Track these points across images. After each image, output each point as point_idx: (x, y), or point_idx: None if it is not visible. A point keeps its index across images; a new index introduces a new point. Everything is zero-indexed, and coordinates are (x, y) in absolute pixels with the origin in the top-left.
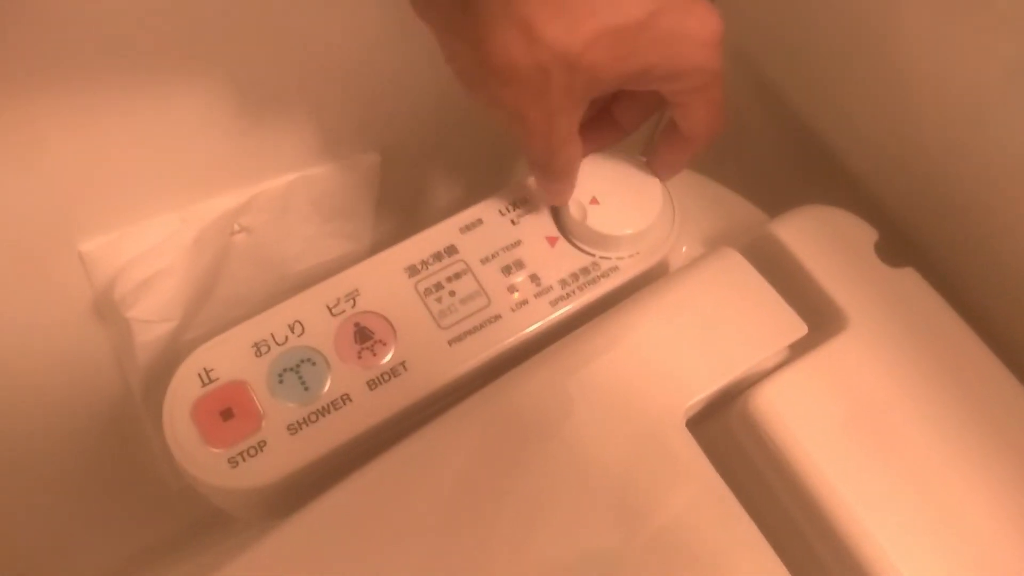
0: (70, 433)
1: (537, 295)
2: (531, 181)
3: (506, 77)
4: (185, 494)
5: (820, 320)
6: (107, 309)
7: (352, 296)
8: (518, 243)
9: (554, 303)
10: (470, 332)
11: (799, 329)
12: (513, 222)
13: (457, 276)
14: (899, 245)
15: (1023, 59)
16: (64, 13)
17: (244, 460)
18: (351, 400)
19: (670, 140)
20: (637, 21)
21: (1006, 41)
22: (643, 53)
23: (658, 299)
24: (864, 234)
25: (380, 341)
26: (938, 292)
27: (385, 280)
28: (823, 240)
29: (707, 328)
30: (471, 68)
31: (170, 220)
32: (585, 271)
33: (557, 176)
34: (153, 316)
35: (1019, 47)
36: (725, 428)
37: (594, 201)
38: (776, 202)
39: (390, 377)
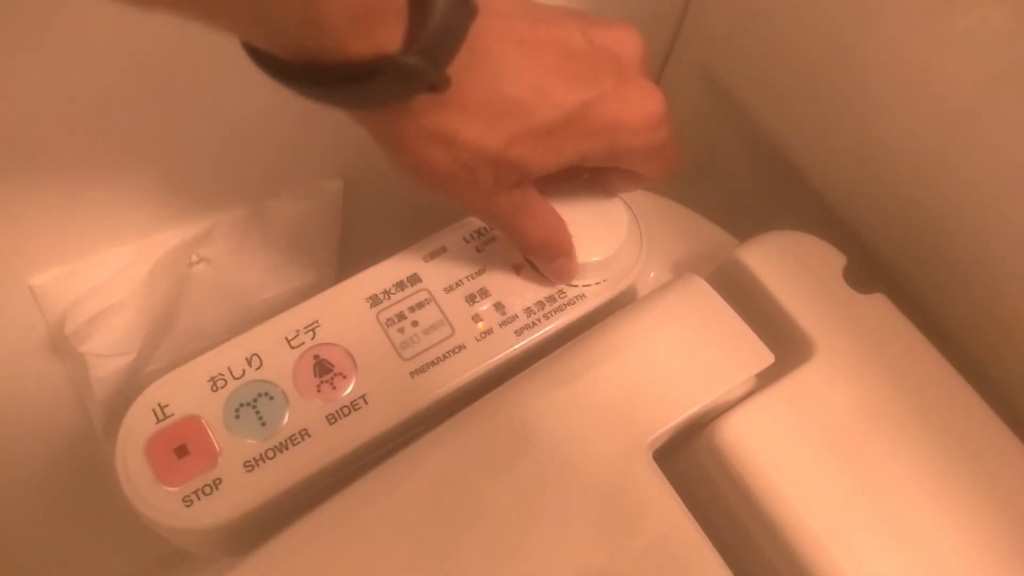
0: (30, 468)
1: (502, 324)
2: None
3: (436, 179)
4: (156, 533)
5: (787, 348)
6: (62, 344)
7: (312, 328)
8: (483, 271)
9: (519, 332)
10: (433, 363)
11: (765, 358)
12: (478, 249)
13: (420, 306)
14: (870, 268)
15: (990, 82)
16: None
17: (199, 499)
18: (310, 435)
19: (624, 174)
20: (563, 118)
21: (973, 64)
22: (575, 144)
23: (621, 329)
24: (832, 259)
25: (340, 374)
26: (908, 316)
27: (346, 311)
28: (790, 266)
29: (671, 359)
30: (408, 174)
31: (124, 252)
32: (551, 299)
33: (547, 254)
34: (108, 350)
35: (986, 70)
36: (694, 459)
37: None
38: (746, 225)
39: (350, 411)
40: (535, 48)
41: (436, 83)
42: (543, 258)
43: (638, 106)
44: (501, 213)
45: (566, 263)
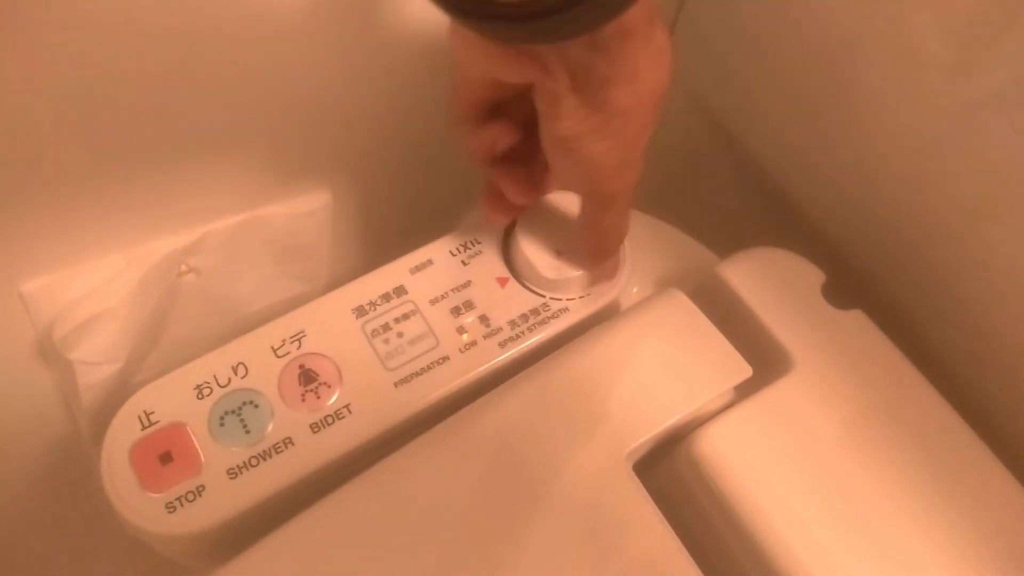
0: (16, 477)
1: (486, 336)
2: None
3: (655, 101)
4: (141, 540)
5: (766, 361)
6: (50, 351)
7: (298, 337)
8: (468, 284)
9: (503, 344)
10: (417, 374)
11: (744, 371)
12: (464, 263)
13: (405, 317)
14: (848, 285)
15: (975, 104)
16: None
17: (182, 505)
18: (293, 443)
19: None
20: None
21: (959, 87)
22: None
23: (603, 341)
24: (811, 276)
25: (325, 383)
26: (886, 332)
27: (332, 321)
28: (770, 282)
29: (651, 371)
30: (630, 103)
31: (115, 260)
32: (535, 312)
33: (617, 244)
34: (96, 358)
35: (971, 93)
36: (673, 471)
37: (545, 243)
38: (728, 243)
39: (334, 420)
40: None
41: None
42: (614, 248)
43: None
44: (636, 179)
45: (616, 261)
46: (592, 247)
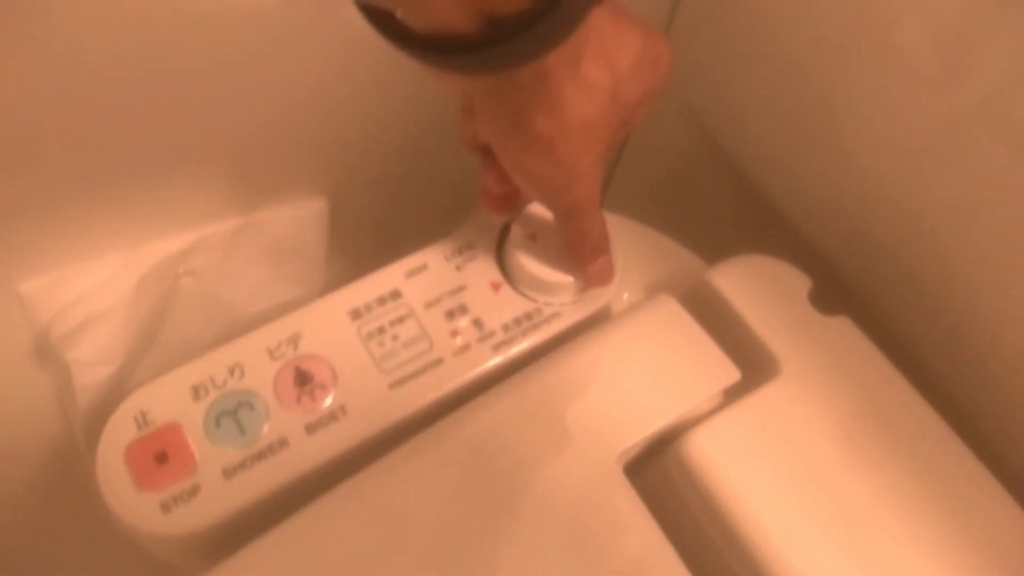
0: (12, 476)
1: (480, 340)
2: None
3: (587, 123)
4: (136, 546)
5: (754, 366)
6: (47, 351)
7: (294, 340)
8: (462, 288)
9: (496, 348)
10: (411, 376)
11: (732, 375)
12: (458, 268)
13: (400, 320)
14: (835, 292)
15: (954, 116)
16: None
17: (177, 505)
18: (288, 444)
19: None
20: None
21: (939, 100)
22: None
23: (593, 345)
24: (799, 283)
25: (320, 385)
26: (871, 337)
27: (327, 324)
28: (758, 288)
29: (641, 374)
30: (558, 128)
31: (112, 262)
32: (528, 316)
33: (602, 248)
34: (93, 358)
35: (953, 105)
36: (662, 473)
37: (538, 249)
38: (718, 251)
39: (329, 421)
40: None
41: None
42: (596, 253)
43: None
44: (589, 195)
45: (608, 261)
46: (569, 252)
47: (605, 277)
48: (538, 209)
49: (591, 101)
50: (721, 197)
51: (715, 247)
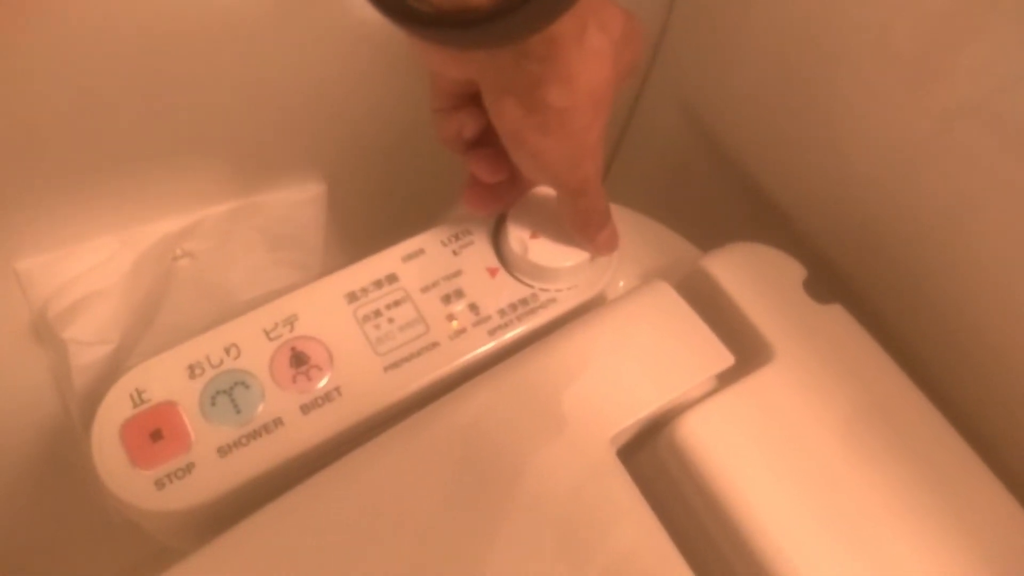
0: (6, 457)
1: (475, 324)
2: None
3: (596, 99)
4: (131, 527)
5: (747, 352)
6: (44, 330)
7: (290, 321)
8: (459, 273)
9: (492, 332)
10: (407, 359)
11: (726, 359)
12: (455, 252)
13: (396, 304)
14: (829, 280)
15: (949, 113)
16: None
17: (171, 482)
18: (283, 424)
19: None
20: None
21: (934, 97)
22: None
23: (588, 329)
24: (793, 271)
25: (316, 366)
26: (864, 325)
27: (324, 306)
28: (753, 276)
29: (635, 358)
30: (569, 100)
31: (110, 242)
32: (524, 302)
33: (605, 219)
34: (89, 337)
35: (946, 103)
36: (655, 456)
37: (535, 235)
38: (713, 243)
39: (324, 402)
40: None
41: None
42: (600, 224)
43: None
44: (596, 170)
45: (614, 229)
46: (577, 229)
47: (613, 244)
48: (533, 196)
49: (597, 66)
50: (717, 190)
51: (711, 239)
